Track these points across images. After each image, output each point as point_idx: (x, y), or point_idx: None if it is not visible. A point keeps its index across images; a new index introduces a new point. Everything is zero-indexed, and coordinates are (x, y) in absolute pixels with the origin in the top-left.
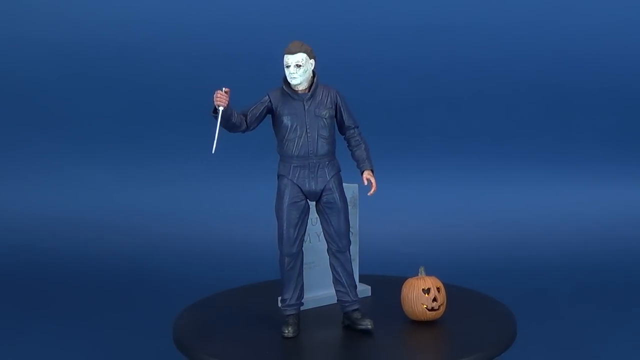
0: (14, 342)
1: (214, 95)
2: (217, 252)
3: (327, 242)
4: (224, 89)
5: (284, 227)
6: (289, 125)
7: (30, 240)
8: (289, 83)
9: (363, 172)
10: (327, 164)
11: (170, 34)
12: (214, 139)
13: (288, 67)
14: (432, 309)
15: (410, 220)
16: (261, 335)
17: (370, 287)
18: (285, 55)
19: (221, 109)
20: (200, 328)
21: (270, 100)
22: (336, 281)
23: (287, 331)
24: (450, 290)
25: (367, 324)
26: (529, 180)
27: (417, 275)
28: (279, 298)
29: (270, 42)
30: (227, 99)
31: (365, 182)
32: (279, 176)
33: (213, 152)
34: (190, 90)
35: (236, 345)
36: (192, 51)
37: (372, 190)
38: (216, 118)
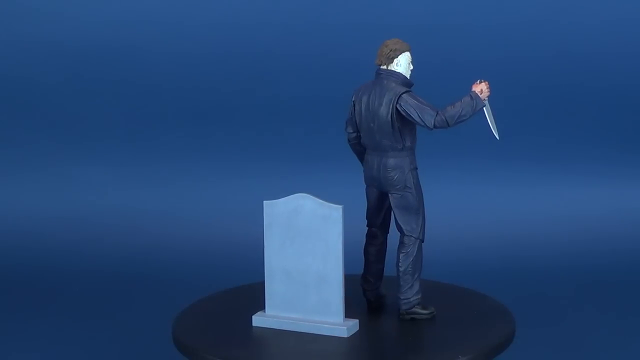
0: (13, 342)
1: (484, 88)
2: (217, 252)
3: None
4: (482, 81)
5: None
6: None
7: (29, 240)
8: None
9: None
10: None
11: (170, 34)
12: (494, 126)
13: (411, 62)
14: None
15: None
16: (262, 335)
17: None
18: (409, 53)
19: (487, 99)
20: (200, 328)
21: None
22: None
23: (433, 310)
24: (450, 290)
25: None
26: (529, 180)
27: None
28: (410, 296)
29: (270, 42)
30: None
31: None
32: (415, 169)
33: (498, 137)
34: (190, 90)
35: (236, 345)
36: (191, 51)
37: None
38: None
